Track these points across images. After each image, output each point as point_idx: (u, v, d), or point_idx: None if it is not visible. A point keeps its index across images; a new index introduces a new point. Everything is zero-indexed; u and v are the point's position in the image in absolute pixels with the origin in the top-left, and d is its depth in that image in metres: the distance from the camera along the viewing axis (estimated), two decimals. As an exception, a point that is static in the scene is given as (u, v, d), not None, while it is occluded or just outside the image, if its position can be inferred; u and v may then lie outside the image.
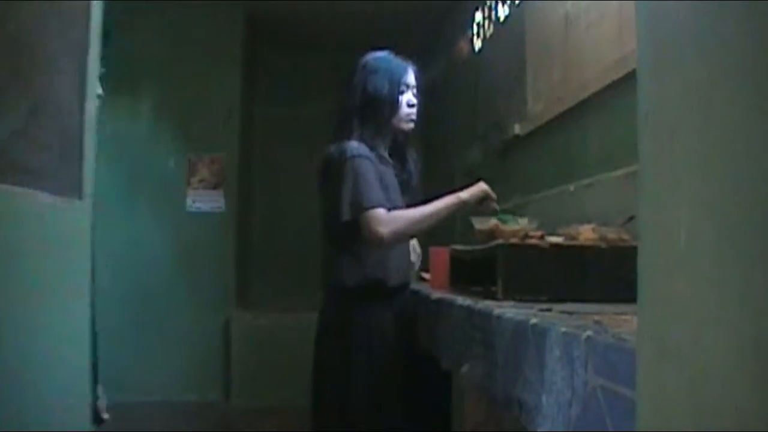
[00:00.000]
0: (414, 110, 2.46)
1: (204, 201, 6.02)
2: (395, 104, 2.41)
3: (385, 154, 2.45)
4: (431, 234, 2.51)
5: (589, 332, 0.97)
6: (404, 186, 2.48)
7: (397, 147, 2.52)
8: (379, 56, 2.48)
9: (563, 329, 1.06)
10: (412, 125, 2.48)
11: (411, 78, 2.46)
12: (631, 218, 2.05)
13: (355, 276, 2.32)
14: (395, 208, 2.29)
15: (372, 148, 2.35)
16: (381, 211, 2.20)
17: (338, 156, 2.30)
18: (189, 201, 6.01)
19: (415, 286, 2.67)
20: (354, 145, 2.30)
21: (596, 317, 1.14)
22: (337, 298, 2.36)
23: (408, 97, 2.44)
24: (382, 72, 2.42)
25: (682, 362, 0.54)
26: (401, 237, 2.28)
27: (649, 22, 0.63)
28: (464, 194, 2.28)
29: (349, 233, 2.25)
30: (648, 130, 0.60)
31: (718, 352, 0.49)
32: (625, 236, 1.87)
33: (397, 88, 2.41)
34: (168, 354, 5.76)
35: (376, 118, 2.39)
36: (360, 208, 2.20)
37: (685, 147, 0.54)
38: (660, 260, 0.58)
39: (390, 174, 2.41)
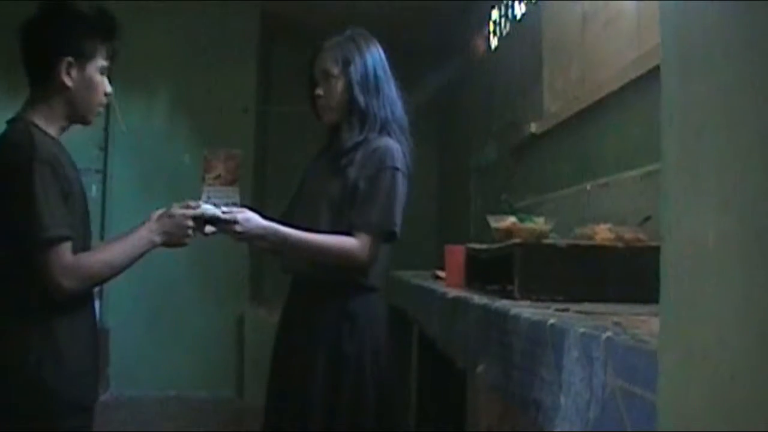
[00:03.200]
0: (320, 100, 2.34)
1: (219, 197, 6.04)
2: (311, 105, 2.41)
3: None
4: (446, 232, 2.51)
5: (608, 333, 0.97)
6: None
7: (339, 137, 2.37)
8: None
9: (582, 330, 1.05)
10: (329, 116, 2.35)
11: (318, 65, 2.36)
12: (648, 218, 2.04)
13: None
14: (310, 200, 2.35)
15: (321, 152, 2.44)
16: None
17: None
18: (204, 197, 6.02)
19: (430, 284, 2.66)
20: None
21: (615, 318, 1.13)
22: None
23: (317, 89, 2.35)
24: None
25: (708, 366, 0.53)
26: None
27: (674, 22, 0.62)
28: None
29: None
30: (673, 131, 0.60)
31: (747, 356, 0.49)
32: (642, 236, 1.86)
33: (308, 86, 2.40)
34: (182, 350, 5.78)
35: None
36: None
37: (712, 149, 0.54)
38: (686, 262, 0.57)
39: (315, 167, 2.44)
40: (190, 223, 1.98)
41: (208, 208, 2.03)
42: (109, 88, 1.92)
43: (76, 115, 1.89)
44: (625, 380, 0.88)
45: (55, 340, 1.77)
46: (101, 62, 1.88)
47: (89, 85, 1.86)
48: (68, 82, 1.83)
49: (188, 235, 1.99)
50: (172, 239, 1.96)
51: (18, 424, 1.72)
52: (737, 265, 0.50)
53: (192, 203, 2.01)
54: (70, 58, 1.82)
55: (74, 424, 1.80)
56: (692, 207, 0.56)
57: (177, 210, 1.98)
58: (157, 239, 1.93)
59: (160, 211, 2.00)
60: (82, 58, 1.84)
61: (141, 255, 1.91)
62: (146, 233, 1.92)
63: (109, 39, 1.89)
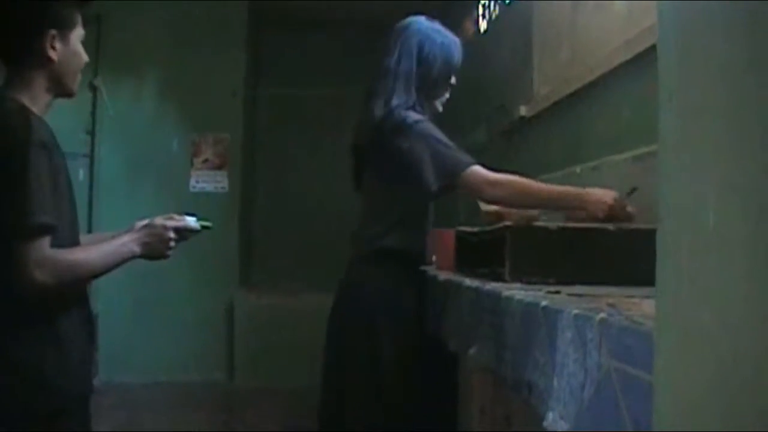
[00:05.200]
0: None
1: (208, 181, 6.03)
2: (447, 83, 2.32)
3: None
4: (437, 216, 2.51)
5: (602, 314, 0.97)
6: None
7: None
8: (433, 25, 2.33)
9: (576, 311, 1.05)
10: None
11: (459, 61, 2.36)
12: (634, 189, 2.05)
13: (404, 243, 2.29)
14: None
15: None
16: (479, 168, 2.13)
17: (398, 124, 2.18)
18: (193, 181, 6.01)
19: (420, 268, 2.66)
20: (411, 113, 2.18)
21: (608, 300, 1.13)
22: (378, 264, 2.30)
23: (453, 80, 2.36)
24: (439, 44, 2.28)
25: (708, 346, 0.53)
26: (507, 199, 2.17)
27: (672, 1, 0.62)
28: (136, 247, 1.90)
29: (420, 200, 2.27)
30: (672, 111, 0.59)
31: (749, 336, 0.49)
32: (631, 209, 1.92)
33: (452, 66, 2.31)
34: (172, 335, 5.78)
35: (427, 91, 2.29)
36: (452, 174, 2.12)
37: (714, 128, 0.53)
38: (685, 243, 0.57)
39: None
40: (172, 234, 1.92)
41: (191, 220, 1.98)
42: (86, 57, 1.89)
43: (60, 89, 1.85)
44: (620, 361, 0.88)
45: (55, 331, 1.75)
46: (81, 30, 1.85)
47: (73, 55, 1.83)
48: (53, 55, 1.78)
49: (170, 248, 1.93)
50: (153, 251, 1.91)
51: (22, 418, 1.70)
52: (739, 244, 0.50)
53: (176, 215, 1.96)
54: (53, 31, 1.78)
55: (76, 415, 1.80)
56: (692, 187, 0.56)
57: (159, 221, 1.92)
58: (137, 249, 1.88)
59: (144, 222, 1.96)
60: (65, 29, 1.81)
61: (120, 263, 1.86)
62: (128, 242, 1.87)
63: (84, 6, 1.87)
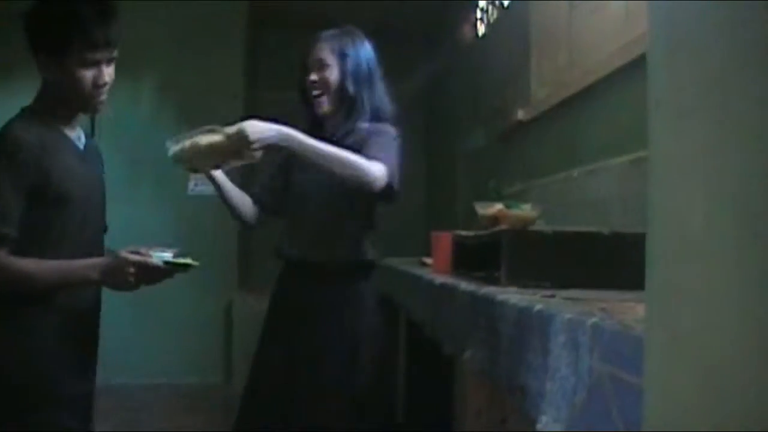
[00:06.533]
0: (314, 87, 2.37)
1: (206, 184, 6.01)
2: (300, 91, 2.41)
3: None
4: (434, 219, 2.51)
5: (595, 319, 0.97)
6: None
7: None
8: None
9: (568, 315, 1.05)
10: (323, 107, 2.39)
11: (314, 54, 2.38)
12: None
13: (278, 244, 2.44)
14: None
15: (309, 130, 2.31)
16: None
17: None
18: (191, 184, 6.00)
19: (417, 271, 2.67)
20: None
21: (601, 304, 1.14)
22: None
23: (310, 76, 2.36)
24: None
25: (696, 350, 0.54)
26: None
27: (662, 6, 0.62)
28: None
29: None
30: (660, 117, 0.60)
31: (737, 339, 0.49)
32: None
33: (300, 73, 2.41)
34: (170, 337, 5.77)
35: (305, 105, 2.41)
36: None
37: (701, 134, 0.54)
38: (673, 247, 0.57)
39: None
40: (132, 270, 1.84)
41: (161, 257, 1.92)
42: (104, 78, 1.87)
43: (72, 106, 1.90)
44: (612, 365, 0.88)
45: (22, 328, 1.78)
46: (83, 55, 1.80)
47: (70, 78, 1.81)
48: (48, 76, 1.83)
49: (128, 282, 1.85)
50: (111, 282, 1.87)
51: None
52: (726, 248, 0.51)
53: (143, 250, 1.91)
54: (42, 54, 1.81)
55: (52, 415, 1.81)
56: (680, 191, 0.56)
57: (123, 253, 1.86)
58: (95, 276, 1.83)
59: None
60: (56, 54, 1.79)
61: (74, 285, 1.85)
62: (90, 266, 1.84)
63: (89, 30, 1.80)
